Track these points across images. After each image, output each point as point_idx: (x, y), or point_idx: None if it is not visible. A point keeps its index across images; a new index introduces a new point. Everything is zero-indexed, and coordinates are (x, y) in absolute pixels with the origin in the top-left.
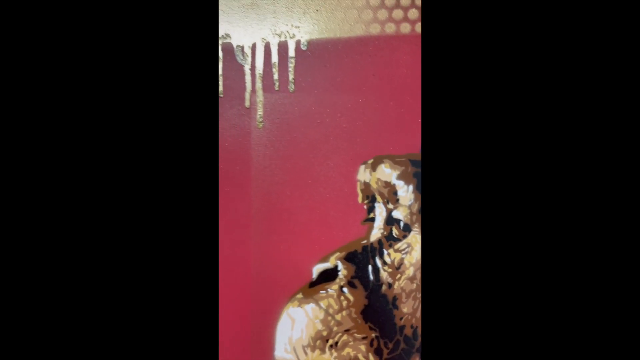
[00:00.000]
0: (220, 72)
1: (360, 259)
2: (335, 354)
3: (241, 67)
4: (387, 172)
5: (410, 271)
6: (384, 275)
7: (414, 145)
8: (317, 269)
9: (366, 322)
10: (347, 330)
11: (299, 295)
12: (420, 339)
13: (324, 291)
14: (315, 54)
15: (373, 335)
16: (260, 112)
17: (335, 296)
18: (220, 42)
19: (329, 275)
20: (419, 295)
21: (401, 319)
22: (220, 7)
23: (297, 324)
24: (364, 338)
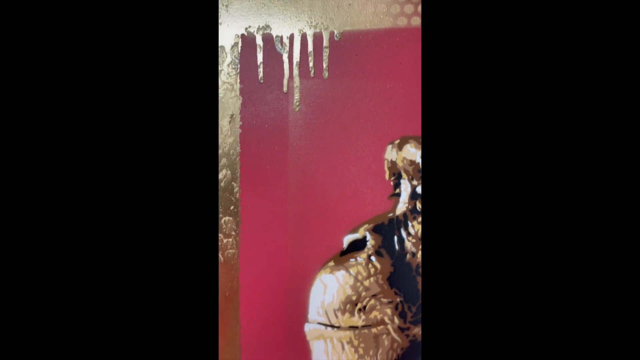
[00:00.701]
0: (260, 60)
1: (387, 230)
2: (363, 317)
3: (280, 55)
4: (412, 152)
5: None
6: (408, 245)
7: None
8: (347, 239)
9: (392, 288)
10: (374, 295)
11: (331, 263)
12: None
13: (353, 259)
14: (348, 44)
15: (398, 300)
16: (297, 96)
17: (363, 264)
18: (260, 32)
19: (358, 245)
20: None
21: None
22: (261, 0)
23: (328, 289)
24: (389, 302)
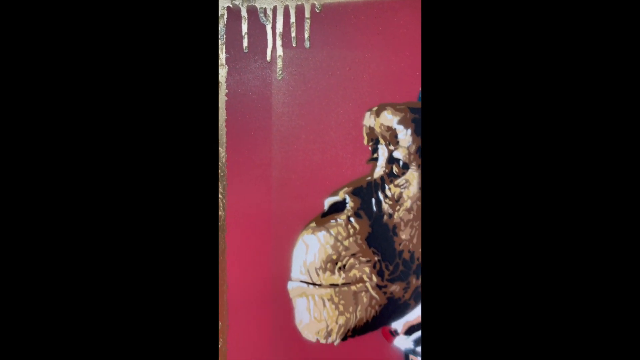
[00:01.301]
0: (245, 30)
1: (365, 193)
2: (343, 275)
3: (263, 26)
4: (389, 118)
5: (407, 203)
6: (385, 207)
7: (412, 94)
8: (328, 201)
9: (370, 248)
10: (353, 255)
11: (313, 224)
12: (417, 262)
13: (334, 221)
14: (328, 16)
15: (376, 258)
16: (280, 65)
17: (343, 225)
18: (245, 5)
19: (338, 207)
20: (416, 224)
21: (400, 244)
22: None
23: (310, 249)
24: (368, 261)
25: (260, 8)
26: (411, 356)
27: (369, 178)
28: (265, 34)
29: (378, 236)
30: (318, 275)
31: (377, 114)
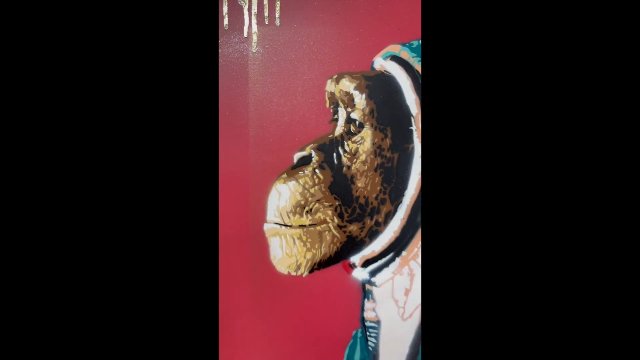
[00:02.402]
0: (225, 10)
1: (328, 148)
2: (310, 217)
3: (241, 7)
4: (347, 85)
5: (363, 157)
6: (344, 160)
7: (366, 65)
8: (296, 156)
9: (332, 194)
10: (318, 200)
11: (284, 176)
12: (370, 205)
13: (302, 172)
14: None
15: (337, 203)
16: (254, 40)
17: (310, 175)
18: None
19: (305, 161)
20: (369, 174)
21: (357, 191)
22: None
23: (282, 196)
24: (330, 206)
25: None
26: (367, 285)
27: (331, 136)
28: (243, 14)
29: (339, 185)
30: (289, 217)
31: (337, 81)
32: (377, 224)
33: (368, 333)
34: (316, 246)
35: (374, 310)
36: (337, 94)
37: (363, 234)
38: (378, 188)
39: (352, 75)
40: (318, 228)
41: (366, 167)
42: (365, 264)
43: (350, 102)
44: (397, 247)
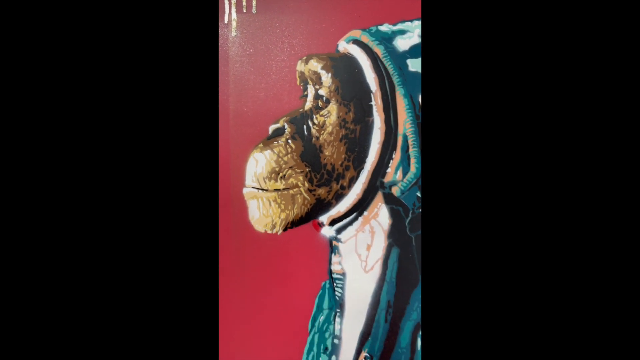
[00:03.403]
0: None
1: (299, 121)
2: (283, 182)
3: None
4: (315, 65)
5: (329, 129)
6: (313, 131)
7: (332, 47)
8: (271, 127)
9: (303, 162)
10: (291, 167)
11: (260, 145)
12: (336, 171)
13: (276, 142)
14: None
15: (307, 170)
16: (234, 26)
17: (283, 145)
18: None
19: (279, 132)
20: (335, 144)
21: (324, 159)
22: None
23: (259, 163)
24: (301, 172)
25: None
26: (334, 242)
27: (302, 110)
28: (224, 3)
29: (308, 153)
30: (265, 182)
31: (306, 62)
32: (342, 187)
33: (335, 284)
34: (289, 207)
35: (340, 263)
36: (307, 73)
37: (330, 197)
38: (343, 156)
39: (319, 57)
40: (291, 192)
41: (332, 137)
42: (332, 222)
43: (318, 80)
44: (359, 207)
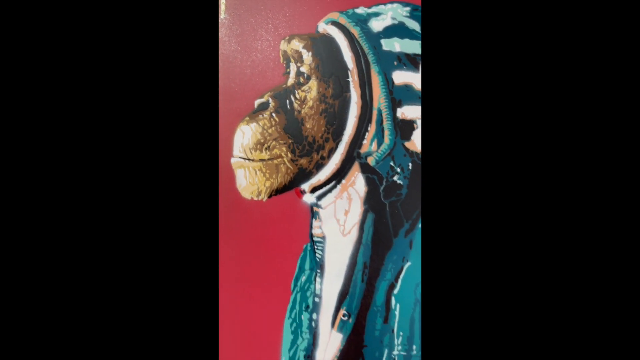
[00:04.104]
0: None
1: (282, 96)
2: (268, 153)
3: None
4: (297, 44)
5: (310, 103)
6: (295, 105)
7: (312, 28)
8: (257, 102)
9: (286, 134)
10: (275, 139)
11: (247, 118)
12: (317, 143)
13: (261, 115)
14: None
15: (290, 141)
16: (223, 8)
17: (268, 118)
18: None
19: (264, 106)
20: (316, 117)
21: (305, 132)
22: None
23: (246, 135)
24: (285, 143)
25: None
26: (314, 207)
27: (285, 86)
28: None
29: (291, 126)
30: (251, 153)
31: (289, 41)
32: (322, 158)
33: (316, 246)
34: (273, 176)
35: (320, 227)
36: (289, 52)
37: (311, 166)
38: (323, 129)
39: (300, 37)
40: (275, 162)
41: (313, 111)
42: (313, 190)
43: (299, 59)
44: (338, 176)
